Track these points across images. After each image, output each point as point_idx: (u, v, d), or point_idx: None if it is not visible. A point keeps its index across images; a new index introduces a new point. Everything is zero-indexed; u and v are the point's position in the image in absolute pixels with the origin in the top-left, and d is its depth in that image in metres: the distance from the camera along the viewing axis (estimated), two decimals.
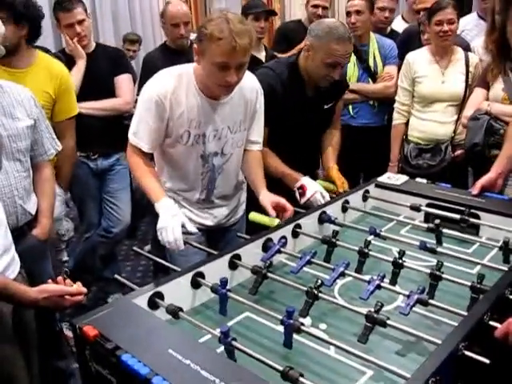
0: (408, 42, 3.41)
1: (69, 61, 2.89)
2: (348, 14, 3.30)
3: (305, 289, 1.48)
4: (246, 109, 2.08)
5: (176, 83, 1.94)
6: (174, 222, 1.80)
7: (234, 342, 1.25)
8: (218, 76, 1.84)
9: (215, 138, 2.04)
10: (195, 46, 1.86)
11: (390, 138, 3.23)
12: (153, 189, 1.95)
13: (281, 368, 1.16)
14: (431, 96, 3.04)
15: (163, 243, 1.83)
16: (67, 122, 2.61)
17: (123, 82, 3.05)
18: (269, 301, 1.60)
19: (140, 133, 1.98)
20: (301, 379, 1.13)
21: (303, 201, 2.24)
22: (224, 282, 1.50)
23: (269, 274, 1.59)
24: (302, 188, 2.25)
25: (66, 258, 3.45)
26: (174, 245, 1.79)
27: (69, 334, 2.51)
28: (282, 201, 1.99)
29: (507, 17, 1.70)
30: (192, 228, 1.84)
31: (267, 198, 2.01)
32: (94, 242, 3.24)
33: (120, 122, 3.07)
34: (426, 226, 1.96)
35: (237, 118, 2.07)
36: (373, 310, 1.35)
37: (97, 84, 2.95)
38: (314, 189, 2.22)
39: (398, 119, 3.19)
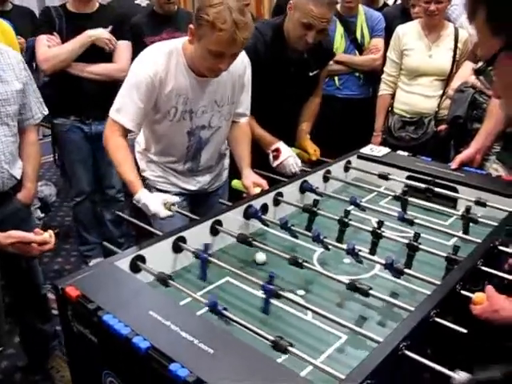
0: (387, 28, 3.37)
1: (68, 18, 2.82)
2: None
3: (287, 256, 1.52)
4: (233, 83, 2.07)
5: (166, 62, 1.90)
6: (157, 206, 1.77)
7: (225, 312, 1.28)
8: (211, 62, 1.83)
9: (203, 114, 2.03)
10: (191, 26, 1.81)
11: (375, 109, 3.25)
12: (132, 180, 1.86)
13: (270, 337, 1.18)
14: (418, 69, 3.05)
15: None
16: None
17: (121, 48, 2.92)
18: (249, 267, 1.63)
19: (123, 110, 1.92)
20: (290, 348, 1.15)
21: (276, 164, 2.30)
22: (206, 247, 1.54)
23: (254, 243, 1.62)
24: (277, 151, 2.30)
25: (41, 215, 3.43)
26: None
27: (51, 296, 2.53)
28: (264, 184, 2.00)
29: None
30: (173, 198, 1.84)
31: (250, 178, 2.03)
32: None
33: (115, 86, 3.01)
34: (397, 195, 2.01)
35: (224, 92, 2.05)
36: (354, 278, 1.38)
37: (94, 46, 2.83)
38: (287, 153, 2.30)
39: (384, 90, 3.21)
